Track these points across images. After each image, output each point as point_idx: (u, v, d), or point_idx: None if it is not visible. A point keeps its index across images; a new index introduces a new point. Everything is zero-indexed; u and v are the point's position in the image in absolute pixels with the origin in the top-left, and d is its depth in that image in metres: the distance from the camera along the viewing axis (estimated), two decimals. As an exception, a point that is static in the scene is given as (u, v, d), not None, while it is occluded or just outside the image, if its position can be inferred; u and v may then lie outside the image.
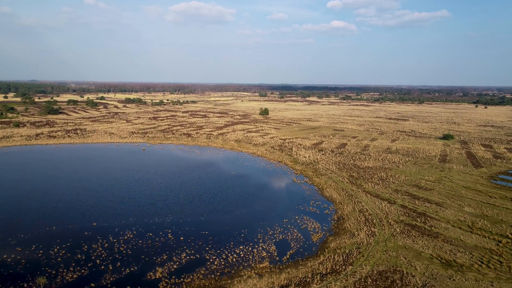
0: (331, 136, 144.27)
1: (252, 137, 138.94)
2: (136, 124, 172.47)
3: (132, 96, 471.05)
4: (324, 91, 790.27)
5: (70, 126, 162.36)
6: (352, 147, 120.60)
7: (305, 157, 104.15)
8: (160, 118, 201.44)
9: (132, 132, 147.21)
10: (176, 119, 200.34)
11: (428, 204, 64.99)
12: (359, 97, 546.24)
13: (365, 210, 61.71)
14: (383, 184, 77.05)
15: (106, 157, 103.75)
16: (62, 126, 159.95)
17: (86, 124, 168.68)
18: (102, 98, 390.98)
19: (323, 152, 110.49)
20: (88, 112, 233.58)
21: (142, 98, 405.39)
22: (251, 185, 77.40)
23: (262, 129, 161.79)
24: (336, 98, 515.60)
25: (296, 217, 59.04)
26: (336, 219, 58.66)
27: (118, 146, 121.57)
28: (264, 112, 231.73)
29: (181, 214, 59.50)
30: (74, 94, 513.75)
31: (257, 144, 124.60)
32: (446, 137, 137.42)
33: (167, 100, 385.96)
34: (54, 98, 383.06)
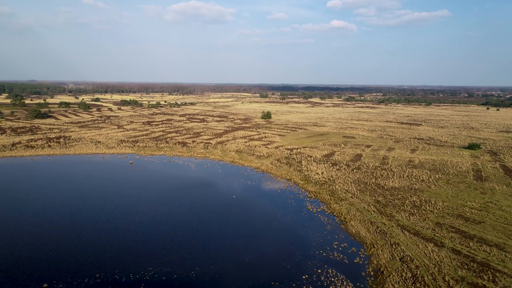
0: (343, 145, 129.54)
1: (255, 146, 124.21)
2: (127, 131, 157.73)
3: (129, 97, 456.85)
4: (326, 91, 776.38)
5: (54, 133, 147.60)
6: (369, 160, 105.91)
7: (317, 173, 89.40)
8: (155, 123, 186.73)
9: (121, 140, 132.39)
10: (172, 124, 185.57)
11: (486, 247, 50.28)
12: (363, 98, 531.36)
13: (408, 258, 46.97)
14: (420, 214, 62.32)
15: (85, 173, 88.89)
16: (45, 133, 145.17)
17: (73, 131, 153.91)
18: (97, 99, 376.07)
19: (338, 167, 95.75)
20: (79, 116, 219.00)
21: (138, 99, 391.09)
22: (256, 216, 62.72)
23: (265, 136, 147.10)
24: (340, 99, 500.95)
25: (319, 270, 44.32)
26: (372, 273, 43.93)
27: (103, 158, 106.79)
28: (267, 115, 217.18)
29: (165, 266, 44.80)
30: (69, 95, 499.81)
31: (260, 156, 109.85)
32: (472, 146, 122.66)
33: (165, 101, 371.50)
34: (47, 99, 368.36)
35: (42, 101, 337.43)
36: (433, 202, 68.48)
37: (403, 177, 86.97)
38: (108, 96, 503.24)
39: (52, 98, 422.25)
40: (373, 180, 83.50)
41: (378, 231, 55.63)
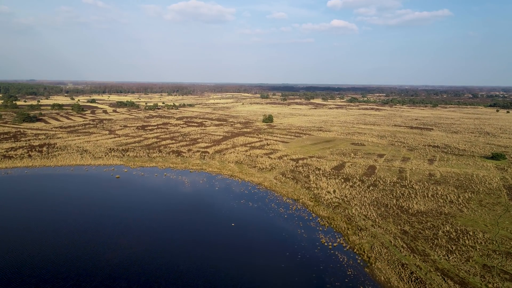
0: (352, 155, 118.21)
1: (257, 156, 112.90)
2: (119, 137, 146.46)
3: (127, 98, 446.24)
4: (327, 92, 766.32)
5: (39, 139, 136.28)
6: (385, 173, 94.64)
7: (328, 192, 78.10)
8: (150, 128, 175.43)
9: (110, 149, 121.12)
10: (167, 128, 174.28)
11: (557, 305, 39.01)
12: (366, 98, 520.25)
13: (461, 326, 35.67)
14: (460, 252, 51.01)
15: (61, 192, 77.63)
16: (29, 140, 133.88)
17: (59, 137, 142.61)
18: (93, 101, 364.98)
19: (351, 183, 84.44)
20: (70, 119, 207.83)
21: (136, 101, 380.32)
22: (260, 253, 51.42)
23: (267, 144, 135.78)
24: (342, 100, 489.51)
25: None
26: None
27: (87, 171, 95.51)
28: (268, 119, 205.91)
29: None
30: (66, 96, 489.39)
31: (263, 168, 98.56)
32: (496, 156, 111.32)
33: (163, 103, 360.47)
34: (41, 101, 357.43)
35: (35, 102, 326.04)
36: (471, 233, 57.14)
37: (427, 196, 75.63)
38: (105, 97, 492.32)
39: (47, 99, 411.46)
40: (394, 201, 72.17)
41: (413, 278, 44.32)
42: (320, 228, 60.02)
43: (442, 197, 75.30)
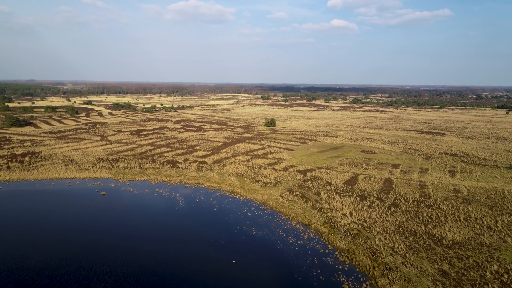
0: (365, 165, 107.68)
1: (260, 167, 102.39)
2: (111, 143, 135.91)
3: (125, 99, 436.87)
4: (328, 92, 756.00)
5: (24, 147, 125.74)
6: (404, 189, 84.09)
7: (344, 214, 67.56)
8: (145, 132, 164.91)
9: (99, 158, 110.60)
10: (164, 133, 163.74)
11: None
12: (369, 99, 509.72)
13: None
14: (520, 305, 40.52)
15: (32, 215, 67.09)
16: (12, 148, 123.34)
17: (46, 144, 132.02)
18: (89, 102, 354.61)
19: (368, 202, 73.86)
20: (63, 123, 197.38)
21: (134, 102, 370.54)
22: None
23: (270, 151, 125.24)
24: (345, 101, 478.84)
25: None
26: None
27: (70, 186, 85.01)
28: (270, 123, 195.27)
29: None
30: (62, 97, 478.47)
31: (267, 182, 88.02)
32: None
33: (161, 105, 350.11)
34: (36, 102, 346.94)
35: (29, 104, 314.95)
36: (526, 276, 46.57)
37: (460, 221, 65.08)
38: (103, 98, 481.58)
39: (43, 100, 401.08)
40: (423, 228, 61.60)
41: None
42: (340, 267, 49.42)
43: (477, 221, 64.74)
